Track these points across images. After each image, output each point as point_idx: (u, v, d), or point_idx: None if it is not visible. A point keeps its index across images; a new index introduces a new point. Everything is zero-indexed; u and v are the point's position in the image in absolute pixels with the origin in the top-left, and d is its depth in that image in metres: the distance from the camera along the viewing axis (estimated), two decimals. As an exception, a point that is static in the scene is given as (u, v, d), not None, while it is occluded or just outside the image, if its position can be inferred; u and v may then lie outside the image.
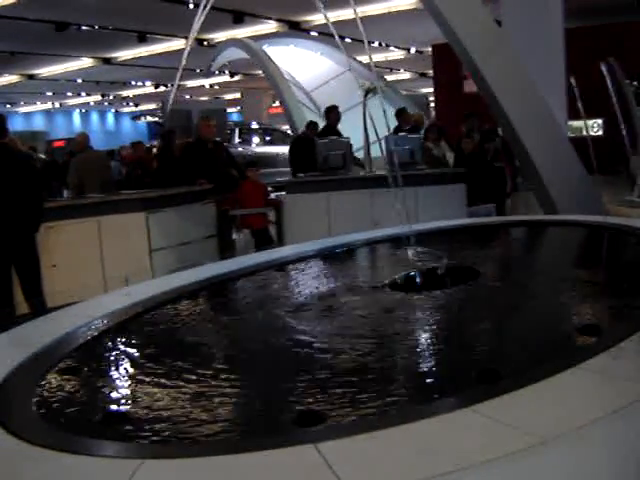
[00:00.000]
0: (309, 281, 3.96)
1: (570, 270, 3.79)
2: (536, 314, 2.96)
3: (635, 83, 15.52)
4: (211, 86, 35.91)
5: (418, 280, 3.45)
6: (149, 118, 42.16)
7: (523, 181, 11.22)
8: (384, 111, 4.82)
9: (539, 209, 8.39)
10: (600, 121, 19.73)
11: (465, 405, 1.79)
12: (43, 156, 18.83)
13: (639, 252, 3.69)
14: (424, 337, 2.70)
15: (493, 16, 7.61)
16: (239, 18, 19.46)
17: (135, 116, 44.44)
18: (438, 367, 2.34)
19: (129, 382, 2.41)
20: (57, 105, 43.35)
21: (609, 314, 2.75)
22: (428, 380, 2.21)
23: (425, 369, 2.32)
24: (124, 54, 26.65)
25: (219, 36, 22.87)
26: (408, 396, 2.05)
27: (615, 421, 1.65)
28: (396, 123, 11.62)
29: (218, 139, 11.45)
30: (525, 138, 7.86)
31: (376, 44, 24.53)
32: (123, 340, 2.91)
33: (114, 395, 2.27)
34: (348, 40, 19.86)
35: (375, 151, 10.97)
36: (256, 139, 21.83)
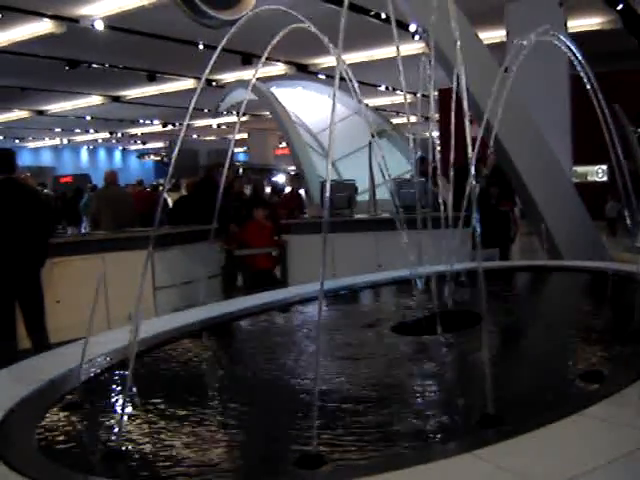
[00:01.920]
0: (312, 321, 3.96)
1: (573, 316, 3.79)
2: (538, 359, 2.96)
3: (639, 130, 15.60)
4: (218, 126, 36.15)
5: (421, 324, 3.45)
6: (152, 157, 42.41)
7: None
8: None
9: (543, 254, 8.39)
10: (605, 167, 19.81)
11: (467, 450, 1.78)
12: (51, 192, 18.94)
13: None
14: (425, 381, 2.70)
15: (499, 62, 7.69)
16: (247, 60, 19.66)
17: (140, 154, 44.69)
18: (440, 411, 2.34)
19: (130, 420, 2.41)
20: (65, 141, 43.64)
21: (612, 361, 2.75)
22: (430, 424, 2.20)
23: (427, 413, 2.32)
24: (133, 92, 26.91)
25: (227, 77, 23.09)
26: (410, 440, 2.05)
27: (617, 469, 1.65)
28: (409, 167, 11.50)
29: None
30: (530, 183, 7.90)
31: (383, 88, 24.74)
32: (126, 378, 2.91)
33: (115, 433, 2.27)
34: (355, 83, 19.97)
35: (381, 193, 11.02)
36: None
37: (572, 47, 3.83)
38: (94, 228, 10.87)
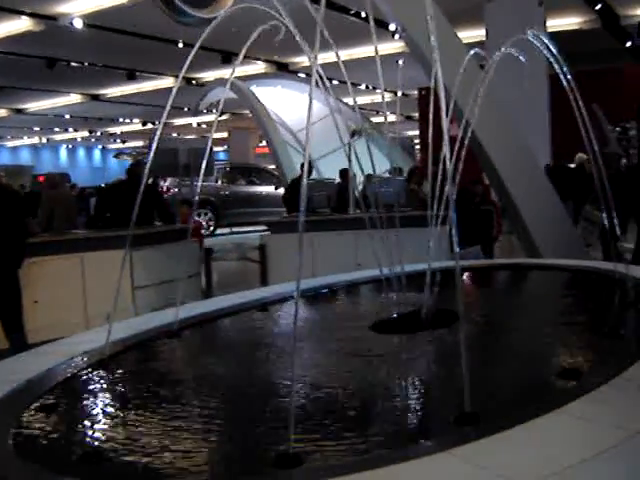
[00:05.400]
0: (291, 320, 3.95)
1: (551, 314, 3.80)
2: (515, 357, 2.97)
3: (618, 129, 15.72)
4: (198, 124, 36.08)
5: (399, 322, 3.45)
6: (126, 157, 42.16)
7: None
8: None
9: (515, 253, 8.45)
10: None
11: (443, 448, 1.78)
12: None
13: (619, 296, 3.71)
14: (401, 378, 2.70)
15: (478, 62, 7.72)
16: (228, 58, 19.64)
17: (115, 155, 44.47)
18: (416, 409, 2.34)
19: (107, 420, 2.39)
20: (44, 140, 43.38)
21: (589, 358, 2.76)
22: (407, 422, 2.20)
23: (404, 411, 2.32)
24: (112, 91, 26.80)
25: (207, 75, 23.05)
26: (387, 438, 2.05)
27: (594, 466, 1.65)
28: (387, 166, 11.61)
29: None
30: (509, 183, 7.93)
31: (363, 87, 24.76)
32: (103, 378, 2.89)
33: (92, 433, 2.25)
34: (335, 82, 20.01)
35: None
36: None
37: (550, 46, 3.84)
38: (46, 229, 10.52)
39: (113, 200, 9.61)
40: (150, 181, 12.14)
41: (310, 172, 12.27)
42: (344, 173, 12.86)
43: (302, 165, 12.67)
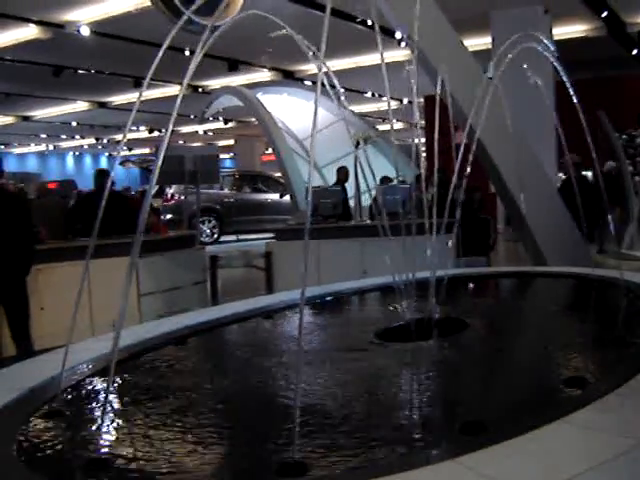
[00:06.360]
0: (295, 328, 3.95)
1: (556, 322, 3.79)
2: (521, 365, 2.96)
3: (624, 136, 15.71)
4: (205, 132, 36.12)
5: (406, 330, 3.44)
6: (131, 165, 42.15)
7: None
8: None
9: (521, 262, 8.43)
10: (590, 174, 19.87)
11: (448, 457, 1.78)
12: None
13: (625, 304, 3.70)
14: (407, 387, 2.69)
15: (483, 68, 7.73)
16: (234, 66, 19.68)
17: (120, 162, 44.48)
18: (421, 418, 2.33)
19: (113, 428, 2.39)
20: (51, 147, 43.46)
21: (595, 367, 2.75)
22: (412, 431, 2.19)
23: (408, 420, 2.31)
24: (119, 98, 26.86)
25: (214, 83, 23.09)
26: (391, 447, 2.04)
27: (599, 475, 1.65)
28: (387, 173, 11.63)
29: None
30: (514, 190, 7.92)
31: (369, 94, 24.78)
32: (107, 386, 2.89)
33: (98, 441, 2.25)
34: (341, 90, 20.01)
35: (366, 199, 11.06)
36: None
37: (555, 53, 3.85)
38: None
39: (84, 210, 9.37)
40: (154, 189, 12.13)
41: (347, 178, 12.25)
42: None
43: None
